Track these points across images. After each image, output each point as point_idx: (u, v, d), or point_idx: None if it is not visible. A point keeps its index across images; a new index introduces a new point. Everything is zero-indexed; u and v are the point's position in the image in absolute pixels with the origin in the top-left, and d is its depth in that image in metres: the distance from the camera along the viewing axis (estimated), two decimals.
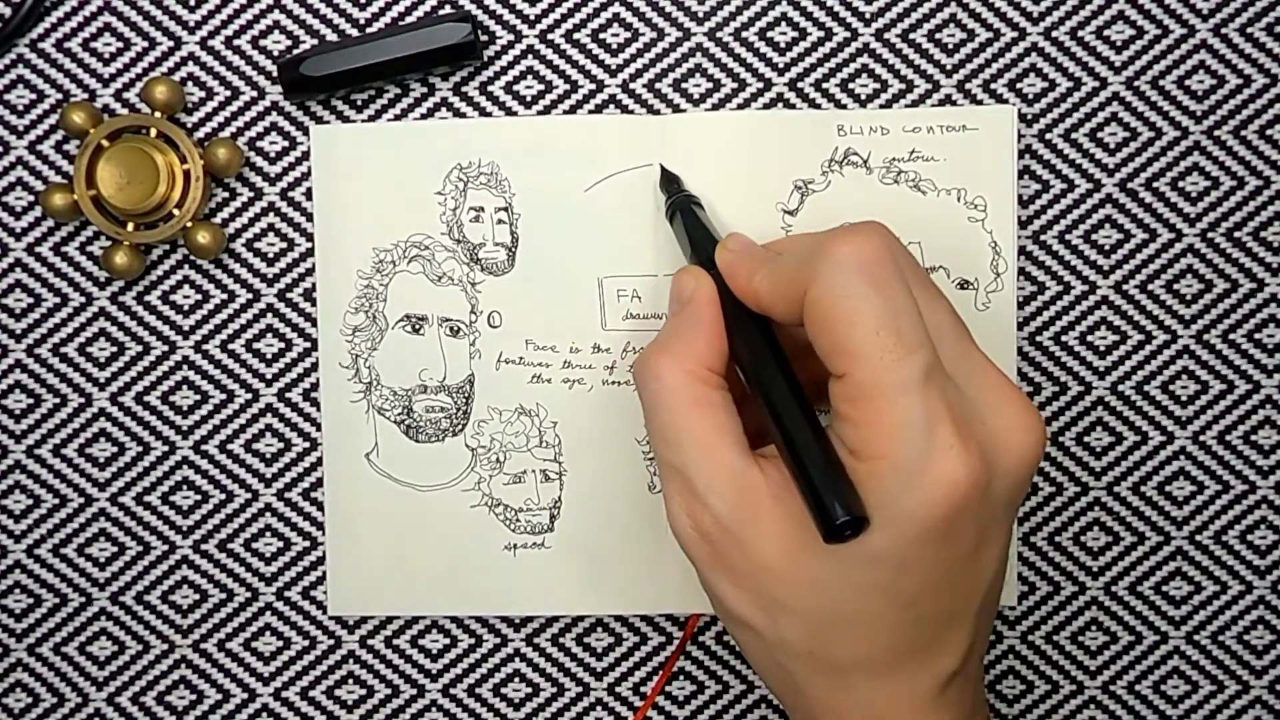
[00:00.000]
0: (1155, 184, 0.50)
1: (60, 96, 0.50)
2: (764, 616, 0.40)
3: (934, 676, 0.40)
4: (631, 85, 0.50)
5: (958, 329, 0.40)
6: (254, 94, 0.50)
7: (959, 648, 0.40)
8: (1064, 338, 0.50)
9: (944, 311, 0.40)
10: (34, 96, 0.50)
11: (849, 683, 0.40)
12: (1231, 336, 0.50)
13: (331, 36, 0.50)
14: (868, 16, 0.49)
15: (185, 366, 0.51)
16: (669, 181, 0.48)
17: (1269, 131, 0.49)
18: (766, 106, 0.50)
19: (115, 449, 0.51)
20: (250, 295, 0.50)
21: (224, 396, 0.51)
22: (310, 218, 0.50)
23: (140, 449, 0.51)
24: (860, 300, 0.37)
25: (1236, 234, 0.50)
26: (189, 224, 0.49)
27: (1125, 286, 0.50)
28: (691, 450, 0.40)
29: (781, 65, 0.50)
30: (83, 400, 0.51)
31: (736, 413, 0.41)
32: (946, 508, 0.37)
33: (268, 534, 0.51)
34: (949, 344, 0.39)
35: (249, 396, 0.51)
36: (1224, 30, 0.49)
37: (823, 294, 0.38)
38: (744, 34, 0.50)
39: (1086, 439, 0.50)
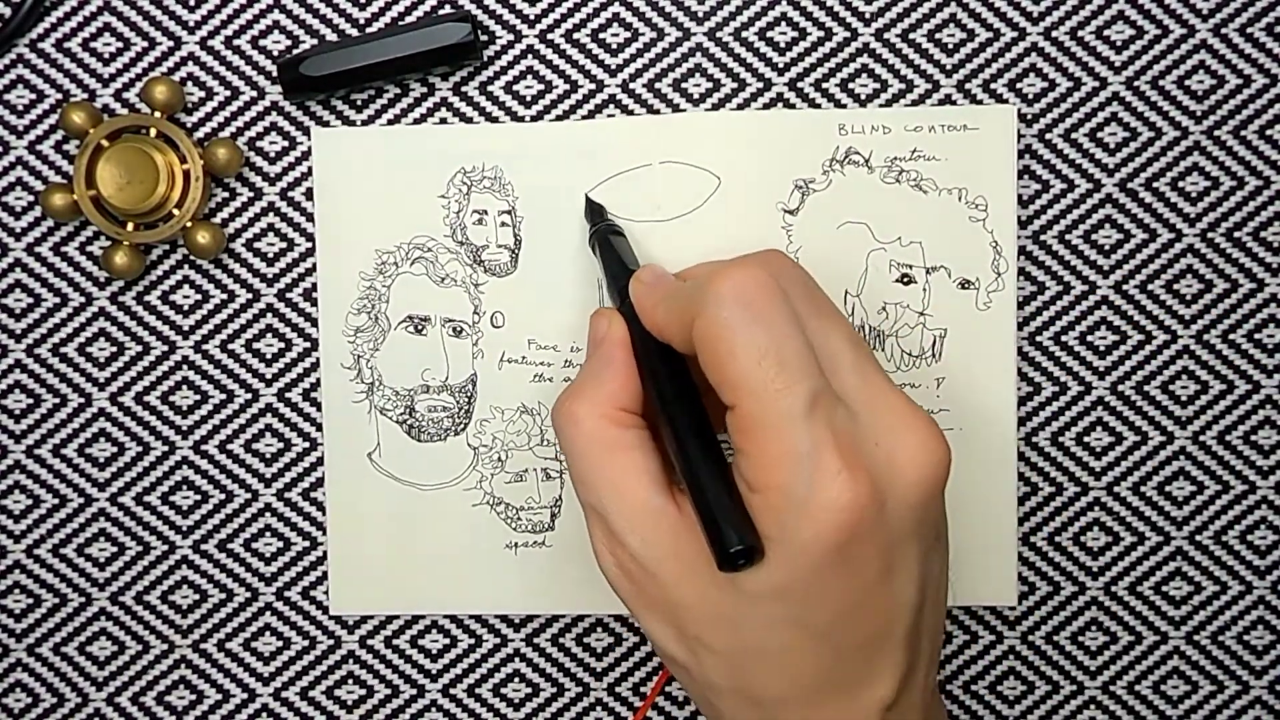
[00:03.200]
0: (1155, 184, 0.50)
1: (60, 96, 0.50)
2: (688, 654, 0.40)
3: (867, 709, 0.39)
4: (631, 85, 0.50)
5: (857, 352, 0.40)
6: (254, 94, 0.50)
7: (890, 677, 0.39)
8: (1064, 338, 0.50)
9: (841, 336, 0.40)
10: (34, 96, 0.50)
11: (778, 718, 0.40)
12: (1231, 336, 0.50)
13: (331, 36, 0.50)
14: (868, 16, 0.49)
15: (185, 366, 0.51)
16: (593, 212, 0.48)
17: (1269, 131, 0.50)
18: (766, 106, 0.50)
19: (115, 449, 0.51)
20: (250, 295, 0.50)
21: (224, 396, 0.51)
22: (310, 218, 0.50)
23: (140, 449, 0.51)
24: (740, 332, 0.38)
25: (1236, 234, 0.50)
26: (189, 224, 0.49)
27: (1125, 286, 0.50)
28: (608, 492, 0.40)
29: (781, 65, 0.50)
30: (83, 400, 0.51)
31: (654, 449, 0.41)
32: (837, 534, 0.37)
33: (268, 534, 0.51)
34: (845, 368, 0.40)
35: (249, 396, 0.51)
36: (1224, 30, 0.49)
37: (706, 326, 0.38)
38: (744, 34, 0.50)
39: (1086, 439, 0.50)
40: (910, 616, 0.39)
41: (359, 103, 0.50)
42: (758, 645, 0.39)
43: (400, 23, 0.50)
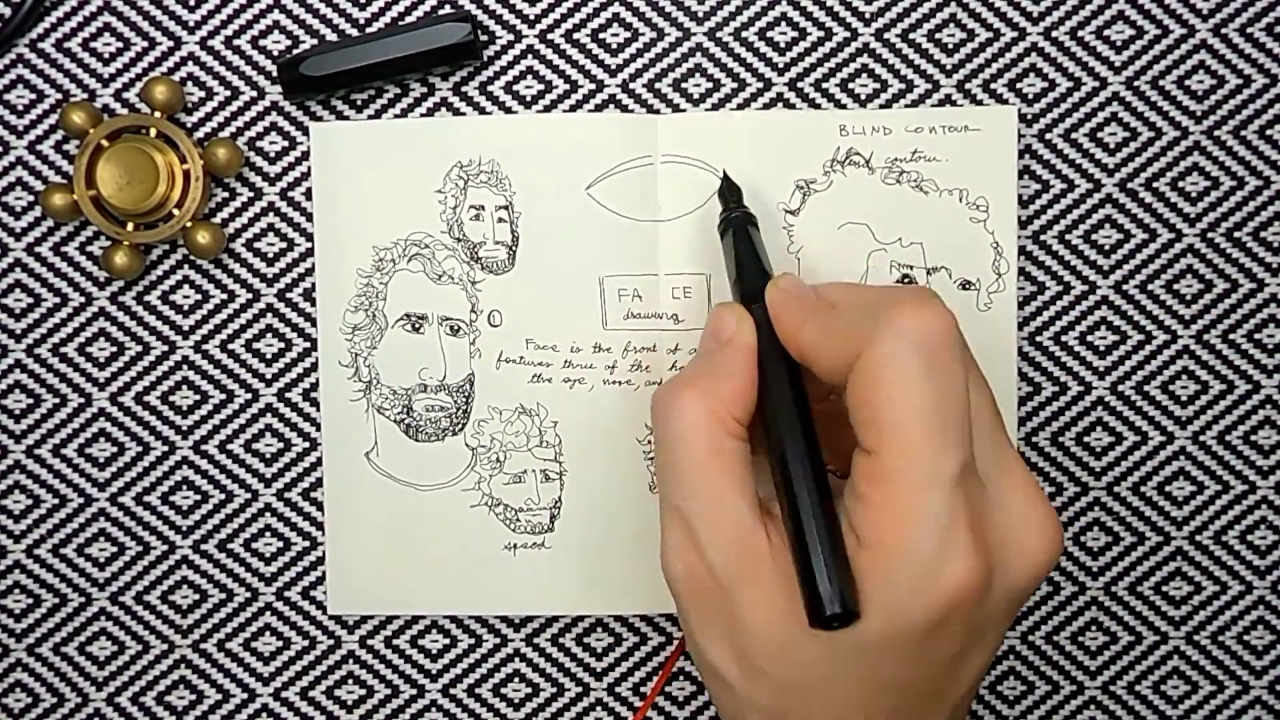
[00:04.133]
0: (1155, 184, 0.50)
1: (60, 96, 0.50)
2: (739, 674, 0.39)
3: None
4: (631, 85, 0.50)
5: (995, 422, 0.39)
6: (254, 94, 0.50)
7: None
8: (1064, 338, 0.50)
9: (985, 400, 0.39)
10: (34, 96, 0.50)
11: None
12: (1231, 336, 0.50)
13: (331, 36, 0.50)
14: (868, 16, 0.49)
15: (185, 366, 0.51)
16: (730, 194, 0.47)
17: (1269, 131, 0.49)
18: (766, 106, 0.50)
19: (115, 449, 0.51)
20: (250, 295, 0.50)
21: (224, 396, 0.51)
22: (310, 218, 0.50)
23: (140, 449, 0.51)
24: (914, 381, 0.36)
25: (1236, 234, 0.50)
26: (189, 224, 0.49)
27: (1125, 286, 0.50)
28: (702, 498, 0.38)
29: (781, 65, 0.50)
30: (83, 400, 0.51)
31: (752, 468, 0.39)
32: (945, 610, 0.36)
33: (268, 534, 0.51)
34: (984, 437, 0.38)
35: (249, 396, 0.51)
36: (1224, 30, 0.49)
37: (877, 363, 0.36)
38: (744, 34, 0.50)
39: (1086, 439, 0.50)
40: (965, 689, 0.39)
41: (359, 103, 0.50)
42: (816, 683, 0.38)
43: (400, 23, 0.50)
